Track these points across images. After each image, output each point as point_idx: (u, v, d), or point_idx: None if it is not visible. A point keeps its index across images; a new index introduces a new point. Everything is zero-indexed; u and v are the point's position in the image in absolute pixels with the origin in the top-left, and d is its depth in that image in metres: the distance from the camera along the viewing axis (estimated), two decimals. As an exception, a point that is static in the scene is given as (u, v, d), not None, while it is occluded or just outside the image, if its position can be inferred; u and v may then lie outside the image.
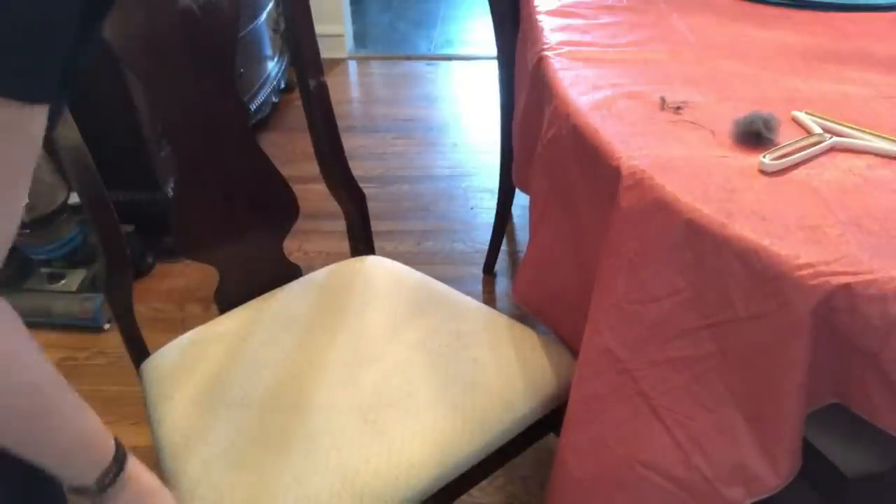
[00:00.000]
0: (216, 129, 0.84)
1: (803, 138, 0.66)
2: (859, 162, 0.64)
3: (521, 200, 1.95)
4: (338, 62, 2.92)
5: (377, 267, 1.00)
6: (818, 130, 0.68)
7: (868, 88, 0.77)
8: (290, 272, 0.99)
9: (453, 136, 2.38)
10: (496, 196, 1.73)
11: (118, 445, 0.55)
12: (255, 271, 0.95)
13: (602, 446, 0.69)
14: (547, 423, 0.83)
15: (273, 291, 0.96)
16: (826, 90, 0.78)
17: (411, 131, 2.39)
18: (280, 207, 0.94)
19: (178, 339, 0.88)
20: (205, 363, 0.84)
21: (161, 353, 0.87)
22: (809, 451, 0.65)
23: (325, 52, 3.47)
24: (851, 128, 0.68)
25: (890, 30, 0.94)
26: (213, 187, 0.87)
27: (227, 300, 0.93)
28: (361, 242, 1.05)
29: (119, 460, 0.54)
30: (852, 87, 0.78)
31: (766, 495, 0.60)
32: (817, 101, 0.75)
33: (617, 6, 1.04)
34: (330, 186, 1.01)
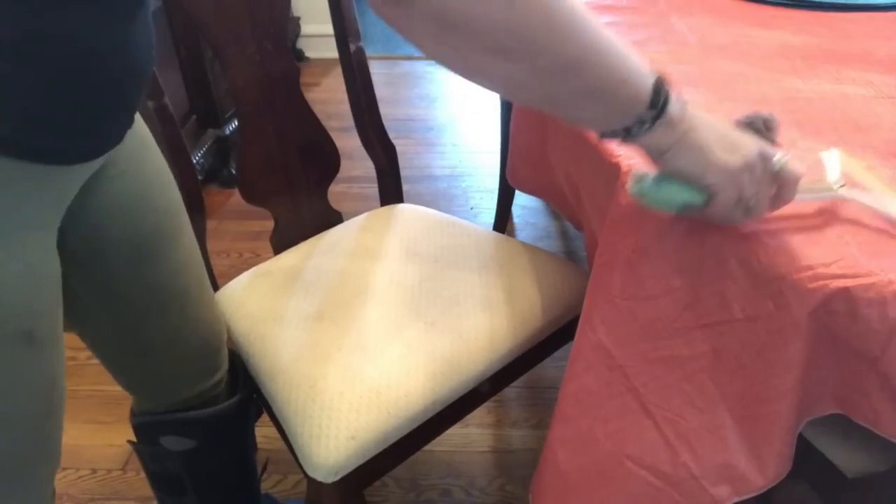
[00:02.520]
0: (272, 87, 0.96)
1: (813, 182, 0.59)
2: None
3: (521, 200, 1.95)
4: (337, 61, 2.92)
5: (409, 210, 1.11)
6: (833, 178, 0.59)
7: (868, 88, 0.77)
8: (333, 218, 1.10)
9: (453, 136, 2.38)
10: (496, 196, 1.74)
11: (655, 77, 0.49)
12: (304, 217, 1.08)
13: (591, 440, 0.69)
14: (565, 332, 0.94)
15: (320, 234, 1.06)
16: (826, 90, 0.77)
17: (411, 131, 2.39)
18: (325, 158, 1.06)
19: (242, 274, 0.99)
20: (268, 285, 0.95)
21: (229, 285, 0.98)
22: (809, 451, 0.65)
23: (325, 51, 3.45)
24: (875, 180, 0.60)
25: (890, 30, 0.94)
26: (271, 140, 1.00)
27: (280, 242, 1.06)
28: (392, 193, 1.16)
29: (657, 91, 0.48)
30: (852, 87, 0.78)
31: (751, 495, 0.60)
32: (817, 101, 0.75)
33: (617, 6, 1.04)
34: (364, 139, 1.11)
